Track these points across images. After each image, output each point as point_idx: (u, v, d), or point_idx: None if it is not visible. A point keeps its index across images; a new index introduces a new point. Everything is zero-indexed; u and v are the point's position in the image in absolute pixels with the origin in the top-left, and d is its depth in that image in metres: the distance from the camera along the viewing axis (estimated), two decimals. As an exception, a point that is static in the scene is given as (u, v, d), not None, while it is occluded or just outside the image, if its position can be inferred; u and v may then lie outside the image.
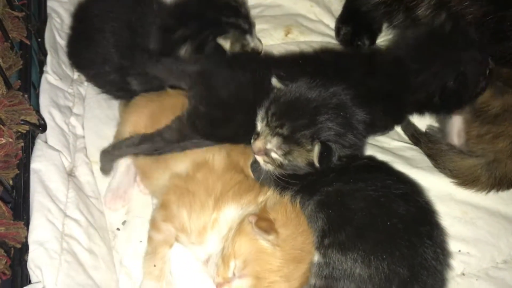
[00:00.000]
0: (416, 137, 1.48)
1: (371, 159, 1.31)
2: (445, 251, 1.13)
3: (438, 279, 1.09)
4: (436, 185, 1.33)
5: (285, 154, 1.18)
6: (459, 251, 1.26)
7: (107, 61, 1.41)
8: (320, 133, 1.16)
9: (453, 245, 1.22)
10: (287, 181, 1.20)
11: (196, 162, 1.22)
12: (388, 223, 1.08)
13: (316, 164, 1.16)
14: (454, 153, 1.39)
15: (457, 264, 1.23)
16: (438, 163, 1.40)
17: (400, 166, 1.31)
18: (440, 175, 1.36)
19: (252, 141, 1.23)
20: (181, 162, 1.24)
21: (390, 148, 1.48)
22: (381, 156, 1.36)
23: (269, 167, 1.23)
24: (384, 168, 1.26)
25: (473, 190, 1.36)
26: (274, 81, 1.24)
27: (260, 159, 1.23)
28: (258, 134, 1.21)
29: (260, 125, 1.21)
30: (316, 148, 1.14)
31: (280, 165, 1.20)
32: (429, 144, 1.44)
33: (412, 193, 1.17)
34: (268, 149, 1.19)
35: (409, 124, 1.51)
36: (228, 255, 1.08)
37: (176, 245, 1.24)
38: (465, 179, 1.36)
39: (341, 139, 1.18)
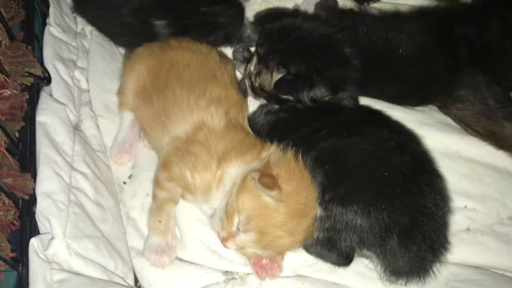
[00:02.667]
0: None
1: (365, 109, 1.30)
2: (445, 197, 1.14)
3: (439, 224, 1.10)
4: (444, 142, 1.32)
5: (256, 74, 1.23)
6: (465, 207, 1.26)
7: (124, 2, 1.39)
8: (291, 62, 1.18)
9: (459, 201, 1.24)
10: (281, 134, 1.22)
11: (195, 124, 1.20)
12: (386, 174, 1.09)
13: (271, 86, 1.20)
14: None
15: (462, 220, 1.23)
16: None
17: (409, 124, 1.29)
18: (448, 132, 1.34)
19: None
20: (179, 126, 1.22)
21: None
22: (390, 112, 1.34)
23: (250, 93, 1.29)
24: (378, 119, 1.26)
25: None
26: None
27: (247, 83, 1.29)
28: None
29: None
30: (277, 74, 1.17)
31: (253, 88, 1.24)
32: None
33: (407, 143, 1.18)
34: (251, 71, 1.24)
35: None
36: (232, 210, 1.09)
37: (182, 201, 1.25)
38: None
39: (318, 77, 1.19)
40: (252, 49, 1.55)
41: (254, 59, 1.26)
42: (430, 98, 1.45)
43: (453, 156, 1.30)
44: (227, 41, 1.52)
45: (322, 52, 1.22)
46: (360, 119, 1.23)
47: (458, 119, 1.40)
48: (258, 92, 1.28)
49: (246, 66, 1.31)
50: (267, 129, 1.30)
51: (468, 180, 1.28)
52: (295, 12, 1.54)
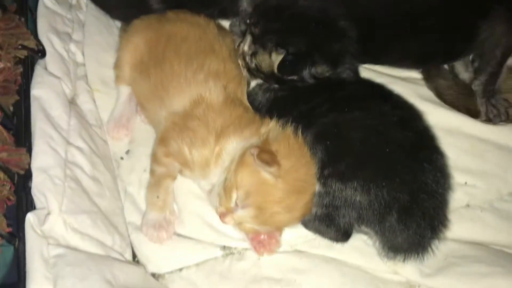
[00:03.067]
0: None
1: (366, 82, 1.28)
2: (446, 174, 1.13)
3: (439, 202, 1.10)
4: (445, 118, 1.30)
5: (252, 55, 1.18)
6: (465, 183, 1.25)
7: None
8: (289, 41, 1.15)
9: (459, 177, 1.23)
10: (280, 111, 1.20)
11: (193, 99, 1.18)
12: (387, 151, 1.08)
13: (275, 70, 1.15)
14: None
15: (462, 196, 1.23)
16: None
17: (410, 99, 1.26)
18: (449, 108, 1.32)
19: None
20: (176, 100, 1.20)
21: (400, 77, 1.44)
22: (391, 87, 1.31)
23: (245, 73, 1.24)
24: (380, 94, 1.23)
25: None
26: None
27: (240, 62, 1.24)
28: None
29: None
30: (276, 55, 1.14)
31: (249, 70, 1.20)
32: None
33: (409, 118, 1.16)
34: (244, 51, 1.20)
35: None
36: (230, 186, 1.08)
37: (180, 176, 1.24)
38: None
39: (318, 53, 1.17)
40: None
41: (248, 39, 1.22)
42: (456, 51, 1.40)
43: (453, 132, 1.28)
44: (223, 15, 1.49)
45: (319, 27, 1.19)
46: (362, 93, 1.21)
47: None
48: (254, 73, 1.25)
49: (239, 45, 1.27)
50: (266, 107, 1.28)
51: (468, 156, 1.27)
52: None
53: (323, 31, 1.19)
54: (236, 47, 1.32)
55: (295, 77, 1.21)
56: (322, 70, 1.18)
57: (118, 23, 1.53)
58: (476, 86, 1.36)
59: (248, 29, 1.20)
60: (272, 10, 1.19)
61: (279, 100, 1.26)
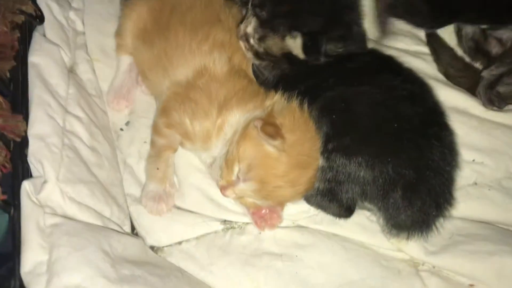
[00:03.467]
0: None
1: (375, 54, 1.23)
2: (453, 152, 1.10)
3: (445, 179, 1.07)
4: (452, 98, 1.26)
5: (260, 39, 1.13)
6: (473, 160, 1.22)
7: None
8: (302, 23, 1.10)
9: (467, 155, 1.19)
10: (286, 85, 1.16)
11: (196, 69, 1.15)
12: (395, 125, 1.05)
13: (302, 56, 1.10)
14: None
15: (469, 174, 1.20)
16: None
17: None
18: (458, 89, 1.29)
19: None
20: (180, 70, 1.16)
21: (408, 51, 1.39)
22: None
23: (249, 55, 1.19)
24: (390, 66, 1.19)
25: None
26: None
27: (242, 45, 1.18)
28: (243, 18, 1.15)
29: (248, 7, 1.15)
30: (298, 39, 1.09)
31: (256, 54, 1.15)
32: None
33: (419, 93, 1.12)
34: (248, 33, 1.14)
35: None
36: (232, 159, 1.05)
37: (180, 149, 1.21)
38: None
39: (330, 29, 1.12)
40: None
41: (252, 22, 1.15)
42: None
43: (462, 112, 1.25)
44: None
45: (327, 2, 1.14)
46: (372, 66, 1.16)
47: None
48: (263, 56, 1.19)
49: (239, 27, 1.20)
50: (272, 82, 1.23)
51: (477, 133, 1.23)
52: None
53: (334, 4, 1.14)
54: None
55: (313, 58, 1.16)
56: (334, 47, 1.14)
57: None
58: (488, 75, 1.32)
59: (252, 11, 1.14)
60: None
61: (285, 76, 1.21)
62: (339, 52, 1.15)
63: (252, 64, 1.24)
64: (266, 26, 1.11)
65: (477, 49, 1.38)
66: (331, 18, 1.13)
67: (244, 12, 1.22)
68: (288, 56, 1.13)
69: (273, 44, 1.12)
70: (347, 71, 1.14)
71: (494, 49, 1.36)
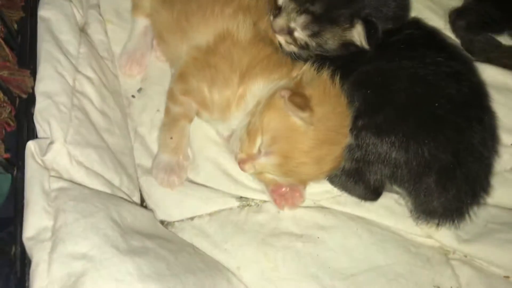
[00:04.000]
0: None
1: (419, 26, 1.13)
2: (494, 138, 1.03)
3: (484, 165, 1.00)
4: (491, 74, 1.18)
5: (313, 35, 1.04)
6: (511, 144, 1.14)
7: None
8: (362, 10, 1.01)
9: (505, 138, 1.12)
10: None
11: (218, 34, 1.06)
12: (435, 104, 0.97)
13: (366, 45, 1.02)
14: None
15: (507, 158, 1.12)
16: None
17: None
18: (496, 64, 1.21)
19: (271, 17, 1.08)
20: (200, 33, 1.08)
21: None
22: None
23: (291, 48, 1.10)
24: (434, 41, 1.10)
25: None
26: None
27: (281, 39, 1.08)
28: (279, 10, 1.05)
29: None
30: (360, 28, 1.00)
31: (305, 47, 1.06)
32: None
33: (464, 72, 1.04)
34: (291, 27, 1.05)
35: None
36: (255, 130, 0.97)
37: (196, 119, 1.13)
38: None
39: (384, 10, 1.04)
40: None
41: (300, 18, 1.04)
42: None
43: (501, 89, 1.17)
44: None
45: None
46: (414, 40, 1.07)
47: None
48: (313, 50, 1.09)
49: (274, 21, 1.09)
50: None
51: (516, 115, 1.15)
52: None
53: None
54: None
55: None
56: (387, 26, 1.06)
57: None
58: None
59: (299, 8, 1.04)
60: None
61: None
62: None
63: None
64: (322, 19, 1.02)
65: None
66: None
67: (278, 1, 1.10)
68: (346, 45, 1.05)
69: (332, 36, 1.04)
70: (389, 44, 1.05)
71: None
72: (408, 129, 0.97)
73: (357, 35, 1.03)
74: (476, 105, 1.01)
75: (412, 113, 0.98)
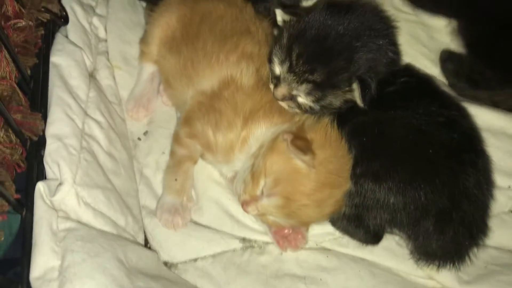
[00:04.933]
0: None
1: (412, 74, 1.17)
2: (489, 180, 1.05)
3: (480, 208, 1.02)
4: (487, 117, 1.22)
5: (317, 100, 1.06)
6: (509, 187, 1.17)
7: None
8: (358, 70, 1.04)
9: (502, 181, 1.15)
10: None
11: (223, 79, 1.11)
12: (429, 151, 1.00)
13: (361, 104, 1.04)
14: None
15: (505, 201, 1.15)
16: None
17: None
18: (492, 108, 1.24)
19: (271, 86, 1.10)
20: (205, 79, 1.13)
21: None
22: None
23: (296, 111, 1.11)
24: (427, 90, 1.14)
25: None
26: (280, 13, 1.10)
27: (284, 104, 1.10)
28: (278, 79, 1.07)
29: (280, 69, 1.07)
30: (356, 86, 1.03)
31: (309, 109, 1.09)
32: None
33: (456, 118, 1.07)
34: (294, 95, 1.07)
35: None
36: (259, 172, 1.00)
37: (200, 161, 1.16)
38: None
39: (378, 65, 1.07)
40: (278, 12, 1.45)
41: (301, 87, 1.05)
42: None
43: (497, 133, 1.20)
44: (253, 3, 1.41)
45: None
46: (409, 90, 1.11)
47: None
48: (318, 111, 1.10)
49: (276, 90, 1.08)
50: None
51: (512, 158, 1.18)
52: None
53: (377, 40, 1.07)
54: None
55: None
56: (381, 76, 1.09)
57: (143, 2, 1.47)
58: None
59: (299, 79, 1.04)
60: (324, 48, 1.03)
61: None
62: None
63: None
64: (323, 86, 1.04)
65: None
66: (380, 50, 1.08)
67: (275, 70, 1.10)
68: (348, 101, 1.08)
69: (334, 98, 1.07)
70: (384, 95, 1.08)
71: None
72: (404, 175, 0.99)
73: (355, 91, 1.06)
74: (469, 149, 1.04)
75: (408, 160, 1.00)
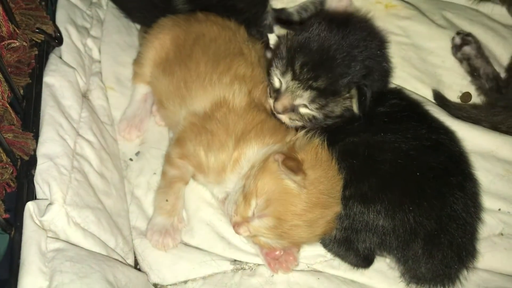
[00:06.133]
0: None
1: (401, 97, 1.20)
2: (477, 203, 1.06)
3: (468, 231, 1.02)
4: (477, 140, 1.23)
5: (321, 108, 1.09)
6: (499, 210, 1.17)
7: None
8: (355, 77, 1.08)
9: (492, 203, 1.15)
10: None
11: (215, 101, 1.12)
12: (417, 174, 1.01)
13: (357, 111, 1.08)
14: None
15: (495, 224, 1.15)
16: None
17: (442, 118, 1.21)
18: (482, 129, 1.25)
19: (270, 100, 1.13)
20: (198, 100, 1.14)
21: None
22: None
23: (296, 124, 1.14)
24: (416, 113, 1.16)
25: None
26: (276, 29, 1.15)
27: (284, 117, 1.12)
28: (278, 92, 1.11)
29: (281, 81, 1.10)
30: (354, 93, 1.06)
31: (312, 119, 1.12)
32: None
33: (444, 143, 1.09)
34: (296, 105, 1.10)
35: None
36: (250, 193, 1.00)
37: (191, 182, 1.16)
38: None
39: (374, 72, 1.11)
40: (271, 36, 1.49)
41: (305, 94, 1.08)
42: None
43: (486, 156, 1.21)
44: (246, 26, 1.45)
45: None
46: (400, 113, 1.12)
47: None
48: (321, 121, 1.13)
49: (277, 103, 1.11)
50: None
51: (502, 181, 1.19)
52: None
53: (372, 51, 1.13)
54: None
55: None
56: (376, 87, 1.13)
57: (137, 24, 1.48)
58: None
59: (304, 85, 1.08)
60: (328, 57, 1.08)
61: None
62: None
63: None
64: (326, 93, 1.08)
65: (498, 89, 1.38)
66: (374, 61, 1.13)
67: (275, 83, 1.14)
68: (346, 111, 1.11)
69: (335, 105, 1.10)
70: (374, 116, 1.11)
71: None
72: (393, 197, 1.00)
73: (353, 99, 1.09)
74: (457, 173, 1.05)
75: (396, 183, 1.01)
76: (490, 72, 1.40)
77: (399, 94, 1.20)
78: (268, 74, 1.15)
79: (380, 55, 1.14)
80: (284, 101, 1.10)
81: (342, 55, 1.07)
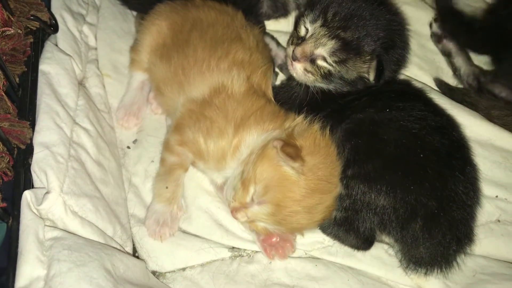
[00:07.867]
0: None
1: (409, 84, 1.22)
2: (476, 188, 1.06)
3: (467, 213, 1.03)
4: (475, 128, 1.23)
5: (339, 62, 1.09)
6: (496, 196, 1.18)
7: None
8: (379, 45, 1.09)
9: (490, 190, 1.16)
10: (313, 105, 1.12)
11: (214, 87, 1.11)
12: (421, 155, 1.01)
13: (372, 80, 1.09)
14: None
15: (493, 210, 1.15)
16: None
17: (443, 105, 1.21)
18: (481, 118, 1.25)
19: (290, 47, 1.13)
20: (196, 86, 1.13)
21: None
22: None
23: (308, 77, 1.13)
24: (421, 97, 1.17)
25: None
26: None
27: (299, 67, 1.12)
28: (302, 39, 1.11)
29: (308, 28, 1.11)
30: (375, 63, 1.07)
31: (326, 76, 1.11)
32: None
33: (448, 126, 1.09)
34: (316, 54, 1.10)
35: None
36: (248, 179, 1.00)
37: (190, 169, 1.15)
38: None
39: (393, 53, 1.13)
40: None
41: (329, 44, 1.08)
42: None
43: (484, 144, 1.22)
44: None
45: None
46: (406, 93, 1.14)
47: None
48: (333, 80, 1.13)
49: (298, 48, 1.11)
50: (302, 99, 1.19)
51: (500, 169, 1.20)
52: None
53: (398, 32, 1.15)
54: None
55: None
56: (392, 69, 1.16)
57: (133, 11, 1.47)
58: None
59: (331, 33, 1.08)
60: (360, 15, 1.09)
61: (318, 93, 1.16)
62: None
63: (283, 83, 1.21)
64: (349, 48, 1.07)
65: (480, 88, 1.38)
66: (393, 33, 1.14)
67: (301, 31, 1.15)
68: (359, 79, 1.11)
69: (353, 66, 1.09)
70: (381, 92, 1.11)
71: (502, 93, 1.35)
72: (395, 177, 1.01)
73: (371, 68, 1.09)
74: (459, 156, 1.05)
75: (400, 163, 1.02)
76: (471, 72, 1.42)
77: (405, 81, 1.20)
78: (296, 23, 1.16)
79: (404, 44, 1.16)
80: (305, 47, 1.10)
81: (374, 21, 1.09)
